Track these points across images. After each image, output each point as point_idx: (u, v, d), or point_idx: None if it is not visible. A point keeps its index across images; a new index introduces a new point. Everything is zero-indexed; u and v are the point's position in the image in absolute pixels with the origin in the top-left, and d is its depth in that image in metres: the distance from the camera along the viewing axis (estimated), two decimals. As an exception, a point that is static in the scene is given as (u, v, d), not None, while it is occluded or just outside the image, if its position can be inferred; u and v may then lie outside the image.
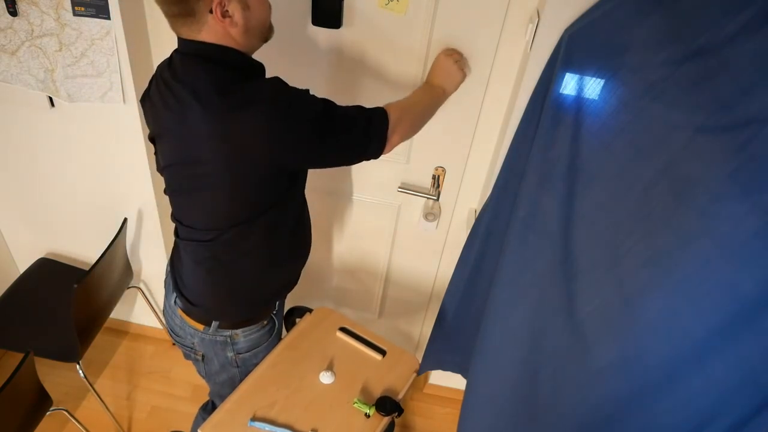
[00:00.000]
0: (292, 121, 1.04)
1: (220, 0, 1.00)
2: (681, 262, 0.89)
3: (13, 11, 1.47)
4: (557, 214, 1.21)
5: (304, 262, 1.42)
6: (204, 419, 1.63)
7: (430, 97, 1.31)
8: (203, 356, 1.40)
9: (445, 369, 2.02)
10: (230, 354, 1.37)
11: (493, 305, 1.43)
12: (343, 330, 1.51)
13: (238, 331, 1.34)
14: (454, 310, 1.78)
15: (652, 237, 0.96)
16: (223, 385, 1.48)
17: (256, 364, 1.42)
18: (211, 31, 1.05)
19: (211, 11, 1.01)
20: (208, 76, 1.04)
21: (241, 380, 1.41)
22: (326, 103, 1.10)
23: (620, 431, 1.04)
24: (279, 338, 1.49)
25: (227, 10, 1.02)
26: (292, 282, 1.41)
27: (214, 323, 1.31)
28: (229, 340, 1.34)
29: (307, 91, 1.10)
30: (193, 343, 1.38)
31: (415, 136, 1.59)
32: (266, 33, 1.13)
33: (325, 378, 1.38)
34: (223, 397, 1.46)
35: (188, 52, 1.08)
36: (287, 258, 1.33)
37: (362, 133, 1.13)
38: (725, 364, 0.81)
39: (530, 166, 1.27)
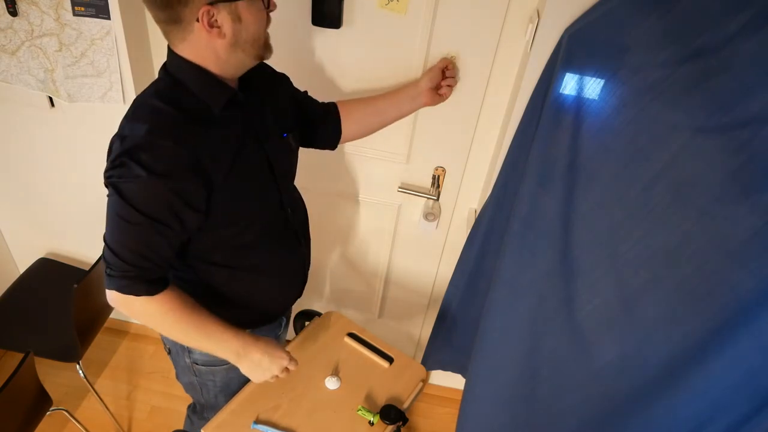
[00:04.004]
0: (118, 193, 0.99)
1: (207, 8, 0.93)
2: (681, 262, 0.89)
3: (13, 11, 1.47)
4: (557, 214, 1.21)
5: (263, 308, 1.33)
6: (192, 420, 1.62)
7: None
8: (169, 350, 1.38)
9: (445, 369, 2.02)
10: (188, 360, 1.34)
11: (492, 305, 1.43)
12: (351, 336, 1.50)
13: None
14: (454, 309, 1.78)
15: (652, 237, 0.96)
16: (187, 389, 1.45)
17: (216, 383, 1.37)
18: (193, 42, 0.98)
19: (198, 20, 0.94)
20: (143, 112, 1.04)
21: (202, 393, 1.39)
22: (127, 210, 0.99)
23: (620, 431, 1.04)
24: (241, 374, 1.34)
25: (216, 20, 0.95)
26: (242, 323, 1.22)
27: None
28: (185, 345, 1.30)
29: (149, 184, 0.98)
30: (162, 334, 1.34)
31: (416, 136, 1.60)
32: (260, 51, 1.04)
33: (331, 383, 1.37)
34: (194, 400, 1.43)
35: (165, 65, 1.06)
36: (231, 300, 1.25)
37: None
38: (725, 364, 0.81)
39: (530, 165, 1.27)
